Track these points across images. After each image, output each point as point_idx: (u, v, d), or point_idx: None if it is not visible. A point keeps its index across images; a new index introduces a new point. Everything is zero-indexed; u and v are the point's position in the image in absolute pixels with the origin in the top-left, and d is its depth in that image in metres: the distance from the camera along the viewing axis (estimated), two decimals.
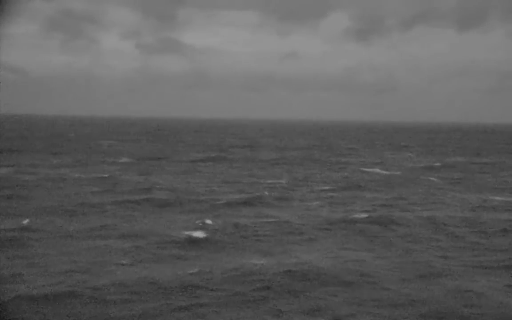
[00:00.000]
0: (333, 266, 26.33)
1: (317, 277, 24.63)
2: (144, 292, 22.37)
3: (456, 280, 24.77)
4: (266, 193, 47.77)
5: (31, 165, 66.10)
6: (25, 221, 34.03)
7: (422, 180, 59.97)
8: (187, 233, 32.31)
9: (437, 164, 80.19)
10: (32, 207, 38.79)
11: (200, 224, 34.70)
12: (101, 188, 48.83)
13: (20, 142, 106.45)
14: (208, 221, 35.50)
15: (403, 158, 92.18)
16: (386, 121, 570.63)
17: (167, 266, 26.19)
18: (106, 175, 58.39)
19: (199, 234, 32.18)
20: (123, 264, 26.08)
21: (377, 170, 70.73)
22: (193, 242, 30.52)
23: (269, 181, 56.58)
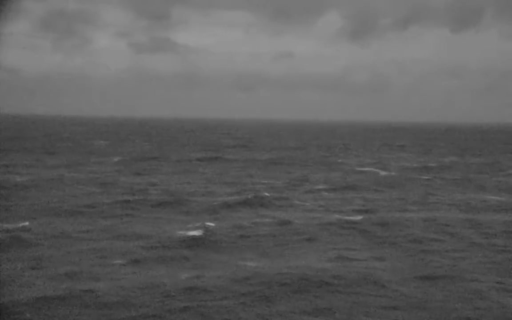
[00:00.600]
0: (334, 268, 26.07)
1: (318, 278, 24.30)
2: (143, 294, 22.06)
3: (462, 281, 24.58)
4: (264, 193, 47.41)
5: (25, 165, 65.59)
6: (22, 222, 33.59)
7: (420, 180, 59.95)
8: (185, 234, 32.00)
9: (433, 164, 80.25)
10: (28, 208, 38.34)
11: (198, 225, 34.31)
12: (97, 189, 48.41)
13: (13, 142, 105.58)
14: (206, 222, 35.18)
15: (399, 157, 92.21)
16: (380, 120, 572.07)
17: (166, 267, 25.89)
18: (101, 176, 57.98)
19: (197, 235, 31.82)
20: (121, 265, 25.77)
21: (374, 170, 70.68)
22: (192, 243, 30.17)
23: (266, 181, 56.32)
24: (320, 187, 53.01)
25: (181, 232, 32.45)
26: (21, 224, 33.17)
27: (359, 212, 40.26)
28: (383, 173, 67.45)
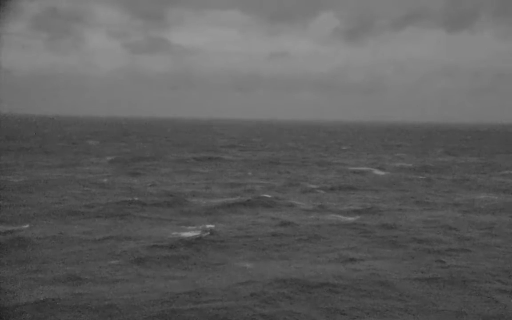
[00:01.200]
0: (337, 269, 25.77)
1: (320, 279, 23.92)
2: (144, 296, 21.74)
3: (465, 282, 24.32)
4: (263, 193, 47.05)
5: (20, 166, 64.97)
6: (20, 224, 33.05)
7: (418, 180, 59.73)
8: (184, 235, 31.56)
9: (430, 164, 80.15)
10: (26, 210, 37.73)
11: (198, 226, 33.91)
12: (94, 190, 47.88)
13: (7, 142, 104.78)
14: (206, 223, 34.77)
15: (396, 157, 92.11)
16: (376, 121, 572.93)
17: (166, 268, 25.54)
18: (98, 176, 57.47)
19: (197, 235, 31.36)
20: (121, 266, 25.38)
21: (371, 169, 70.50)
22: (192, 244, 29.67)
23: (264, 182, 55.92)
24: (319, 187, 52.67)
25: (181, 233, 32.02)
26: (19, 226, 32.63)
27: (358, 212, 39.98)
28: (380, 173, 67.28)
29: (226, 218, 36.94)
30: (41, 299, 21.00)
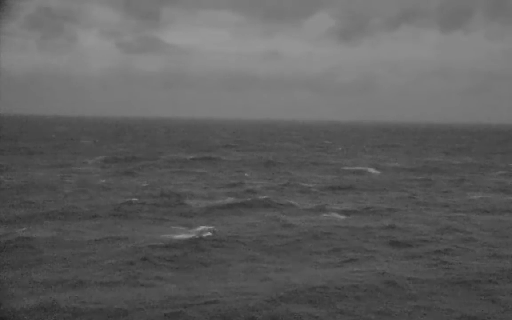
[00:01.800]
0: (341, 270, 25.27)
1: (329, 283, 23.21)
2: (145, 298, 21.21)
3: (475, 283, 23.91)
4: (262, 194, 46.50)
5: (12, 166, 63.78)
6: (11, 226, 32.26)
7: (417, 181, 59.29)
8: (184, 237, 30.83)
9: (428, 164, 79.75)
10: (21, 212, 36.83)
11: (196, 228, 33.24)
12: (87, 190, 46.94)
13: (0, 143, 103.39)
14: (204, 225, 34.10)
15: (393, 157, 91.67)
16: (371, 120, 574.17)
17: (166, 270, 24.95)
18: (91, 176, 56.71)
19: (196, 237, 30.67)
20: (119, 269, 24.72)
21: (369, 169, 69.98)
22: (189, 246, 28.81)
23: (262, 182, 55.28)
24: (317, 187, 52.06)
25: (178, 235, 31.35)
26: (14, 228, 31.79)
27: (359, 212, 39.51)
28: (378, 173, 66.86)
29: (225, 219, 36.26)
30: (38, 302, 20.44)
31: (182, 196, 44.52)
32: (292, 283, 23.44)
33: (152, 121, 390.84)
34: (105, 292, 21.89)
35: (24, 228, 31.84)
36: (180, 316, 19.77)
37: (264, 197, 44.90)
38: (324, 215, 38.75)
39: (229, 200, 43.42)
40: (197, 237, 30.82)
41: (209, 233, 31.67)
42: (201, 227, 33.39)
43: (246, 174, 62.50)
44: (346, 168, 71.88)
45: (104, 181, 53.40)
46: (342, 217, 37.97)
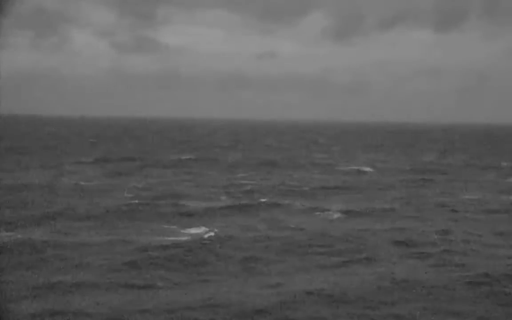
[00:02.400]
0: (347, 273, 24.71)
1: (328, 284, 22.70)
2: (147, 302, 20.82)
3: (494, 285, 23.44)
4: (258, 195, 45.75)
5: (4, 166, 62.60)
6: (4, 229, 31.37)
7: (416, 181, 58.89)
8: (177, 240, 30.05)
9: (427, 164, 79.62)
10: (9, 214, 35.74)
11: (191, 230, 32.52)
12: (80, 192, 45.95)
13: None
14: (200, 228, 33.38)
15: (390, 157, 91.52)
16: (364, 121, 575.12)
17: (158, 275, 24.10)
18: (85, 177, 55.79)
19: (190, 240, 29.89)
20: (112, 272, 24.15)
21: (366, 170, 69.63)
22: (186, 250, 27.90)
23: (259, 183, 54.49)
24: (315, 188, 51.31)
25: (174, 238, 30.64)
26: (9, 230, 30.92)
27: (360, 213, 38.98)
28: (375, 172, 66.48)
29: (222, 221, 35.54)
30: (32, 307, 19.85)
31: (179, 197, 43.80)
32: (292, 286, 22.89)
33: (146, 120, 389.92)
34: (101, 295, 21.41)
35: (19, 230, 31.07)
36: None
37: (262, 197, 44.31)
38: (324, 215, 38.24)
39: (227, 201, 42.82)
40: (194, 239, 30.16)
41: (207, 235, 31.03)
42: (199, 229, 32.76)
43: (243, 175, 61.86)
44: (343, 168, 71.45)
45: (99, 182, 52.60)
46: (342, 217, 37.47)
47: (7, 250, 27.17)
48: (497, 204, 43.96)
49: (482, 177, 63.23)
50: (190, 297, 21.59)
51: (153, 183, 52.55)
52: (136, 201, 41.47)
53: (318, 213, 39.26)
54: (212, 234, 31.50)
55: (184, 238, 30.66)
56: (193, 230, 32.79)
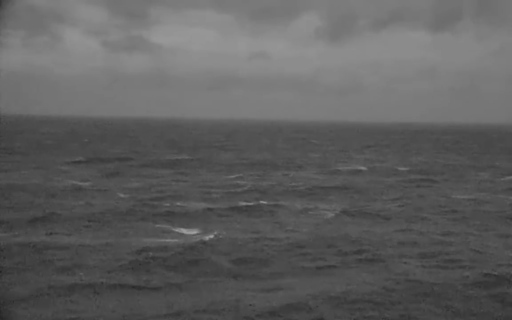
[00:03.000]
0: (353, 276, 24.16)
1: (333, 289, 22.14)
2: (149, 307, 20.36)
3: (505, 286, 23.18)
4: (257, 196, 45.10)
5: None
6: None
7: (413, 181, 58.55)
8: (184, 242, 29.33)
9: (421, 164, 79.41)
10: (8, 216, 34.88)
11: (188, 233, 31.93)
12: (70, 193, 44.75)
13: None
14: (196, 230, 32.70)
15: (388, 157, 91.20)
16: (358, 121, 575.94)
17: (155, 279, 23.58)
18: (76, 178, 54.75)
19: (187, 244, 29.03)
20: (106, 276, 23.59)
21: (364, 170, 69.26)
22: (183, 253, 27.17)
23: (257, 183, 53.74)
24: (315, 188, 50.65)
25: (171, 240, 30.03)
26: (5, 232, 30.28)
27: (359, 213, 38.60)
28: (372, 172, 66.03)
29: (221, 223, 35.00)
30: (29, 310, 19.55)
31: (175, 198, 43.18)
32: (293, 288, 22.47)
33: (137, 120, 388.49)
34: (98, 297, 21.13)
35: (13, 231, 30.47)
36: None
37: (259, 198, 43.83)
38: (322, 216, 37.75)
39: (224, 202, 42.19)
40: (192, 240, 29.61)
41: (204, 237, 30.43)
42: (196, 230, 32.27)
43: (238, 175, 61.24)
44: (340, 168, 71.01)
45: (94, 182, 51.81)
46: (341, 218, 37.03)
47: (3, 251, 26.57)
48: (497, 204, 43.73)
49: (479, 177, 63.08)
50: (189, 299, 21.20)
51: (149, 184, 51.82)
52: (132, 202, 40.79)
53: (317, 213, 38.80)
54: (210, 235, 30.92)
55: (182, 240, 30.07)
56: (191, 231, 32.28)
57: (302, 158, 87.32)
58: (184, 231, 32.62)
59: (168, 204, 40.36)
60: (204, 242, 29.27)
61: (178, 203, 41.02)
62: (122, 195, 44.52)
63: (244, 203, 41.77)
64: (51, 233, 30.84)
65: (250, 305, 20.71)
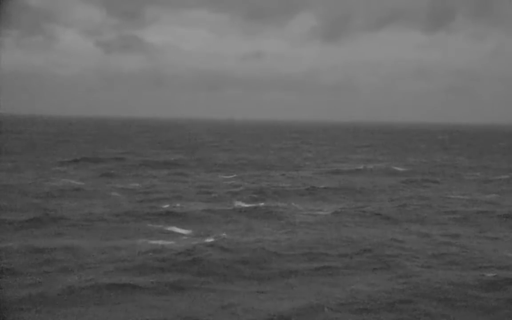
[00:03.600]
0: (360, 281, 23.59)
1: (343, 296, 21.60)
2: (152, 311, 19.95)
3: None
4: (257, 198, 44.40)
5: None
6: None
7: (412, 181, 58.21)
8: (184, 245, 28.62)
9: (418, 164, 79.14)
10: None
11: (186, 237, 31.31)
12: (63, 194, 43.89)
13: None
14: (196, 234, 32.00)
15: (387, 157, 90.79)
16: (354, 121, 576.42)
17: (152, 284, 22.94)
18: (73, 178, 54.13)
19: (184, 248, 28.12)
20: (104, 280, 22.94)
21: (364, 170, 68.95)
22: (182, 257, 26.34)
23: (255, 184, 53.18)
24: (314, 188, 49.95)
25: (177, 240, 29.66)
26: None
27: (359, 213, 38.13)
28: (372, 173, 65.62)
29: (220, 224, 34.51)
30: (26, 314, 19.12)
31: (171, 199, 42.60)
32: (294, 292, 22.04)
33: (132, 120, 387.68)
34: (97, 299, 20.84)
35: (9, 233, 29.93)
36: None
37: (258, 198, 43.40)
38: (323, 217, 37.25)
39: (223, 203, 41.70)
40: (191, 242, 29.12)
41: (204, 239, 29.94)
42: (192, 232, 31.82)
43: (235, 175, 60.77)
44: (338, 168, 70.63)
45: (89, 182, 51.20)
46: (342, 218, 36.58)
47: (1, 252, 26.12)
48: (497, 204, 43.50)
49: (478, 177, 62.87)
50: (185, 301, 20.88)
51: (146, 184, 51.30)
52: (129, 202, 40.32)
53: (316, 213, 38.37)
54: (208, 236, 30.51)
55: (180, 241, 29.63)
56: (188, 232, 31.82)
57: (299, 158, 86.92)
58: (181, 232, 32.20)
59: (165, 205, 39.80)
60: (202, 243, 28.79)
61: (176, 204, 40.47)
62: (118, 195, 44.01)
63: (242, 204, 41.32)
64: (48, 234, 30.38)
65: (249, 307, 20.30)
